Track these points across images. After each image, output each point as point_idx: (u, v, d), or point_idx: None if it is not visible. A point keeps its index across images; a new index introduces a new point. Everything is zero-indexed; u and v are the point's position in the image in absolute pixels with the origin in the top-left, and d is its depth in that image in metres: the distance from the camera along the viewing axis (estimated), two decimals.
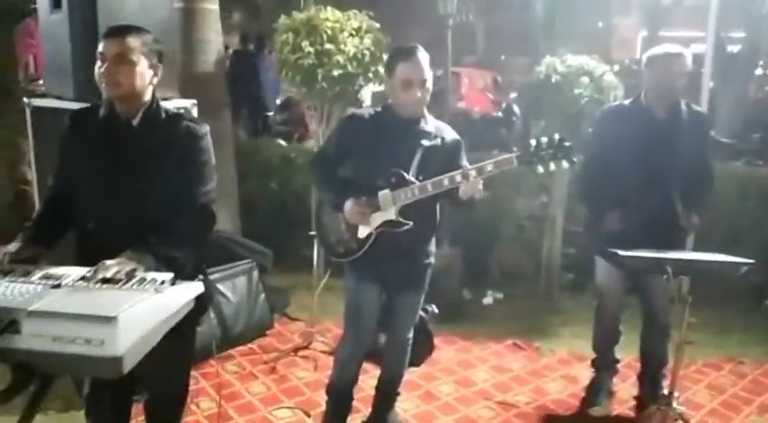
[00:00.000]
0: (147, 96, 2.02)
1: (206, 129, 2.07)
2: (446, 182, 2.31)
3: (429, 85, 2.41)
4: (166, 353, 1.71)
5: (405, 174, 2.39)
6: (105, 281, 1.70)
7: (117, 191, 1.97)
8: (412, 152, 2.43)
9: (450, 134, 2.56)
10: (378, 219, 2.46)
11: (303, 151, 5.40)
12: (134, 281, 1.72)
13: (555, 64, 4.04)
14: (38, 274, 1.73)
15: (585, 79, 3.97)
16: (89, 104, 2.17)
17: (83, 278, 1.71)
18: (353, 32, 4.03)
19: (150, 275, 1.76)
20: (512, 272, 4.80)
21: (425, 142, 2.45)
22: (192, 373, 3.33)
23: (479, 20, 16.81)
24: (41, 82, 4.89)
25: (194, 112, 3.61)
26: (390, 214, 2.43)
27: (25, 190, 4.33)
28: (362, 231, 2.51)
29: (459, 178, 2.29)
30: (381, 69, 3.51)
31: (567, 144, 2.19)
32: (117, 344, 1.43)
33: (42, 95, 3.36)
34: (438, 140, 2.49)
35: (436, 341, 3.72)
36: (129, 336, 1.47)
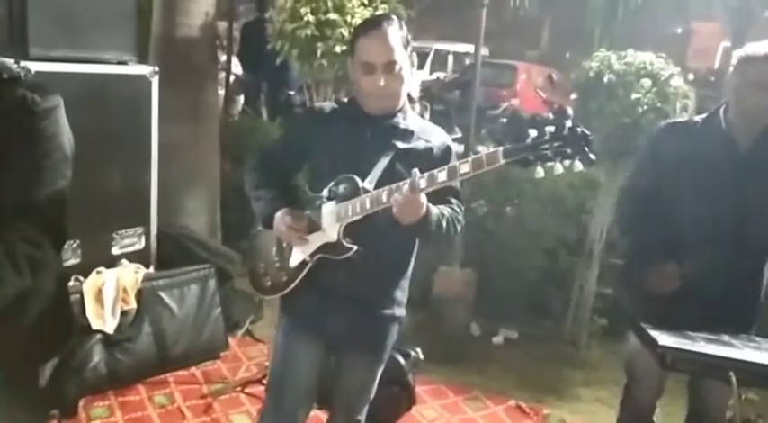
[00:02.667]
0: None
1: (52, 102, 1.38)
2: (404, 190, 1.56)
3: (402, 69, 1.70)
4: None
5: (358, 181, 1.68)
6: None
7: None
8: (379, 155, 1.73)
9: (440, 138, 1.83)
10: (316, 240, 1.76)
11: None
12: None
13: (610, 59, 3.21)
14: None
15: (647, 82, 3.14)
16: None
17: None
18: (365, 2, 3.37)
19: None
20: (533, 307, 4.02)
21: (400, 144, 1.75)
22: (111, 401, 2.76)
23: (546, 14, 15.82)
24: None
25: (154, 83, 3.01)
26: (332, 234, 1.73)
27: None
28: (295, 258, 1.82)
29: (423, 183, 1.55)
30: None
31: (580, 132, 1.39)
32: None
33: None
34: (420, 143, 1.79)
35: (421, 391, 2.99)
36: None
